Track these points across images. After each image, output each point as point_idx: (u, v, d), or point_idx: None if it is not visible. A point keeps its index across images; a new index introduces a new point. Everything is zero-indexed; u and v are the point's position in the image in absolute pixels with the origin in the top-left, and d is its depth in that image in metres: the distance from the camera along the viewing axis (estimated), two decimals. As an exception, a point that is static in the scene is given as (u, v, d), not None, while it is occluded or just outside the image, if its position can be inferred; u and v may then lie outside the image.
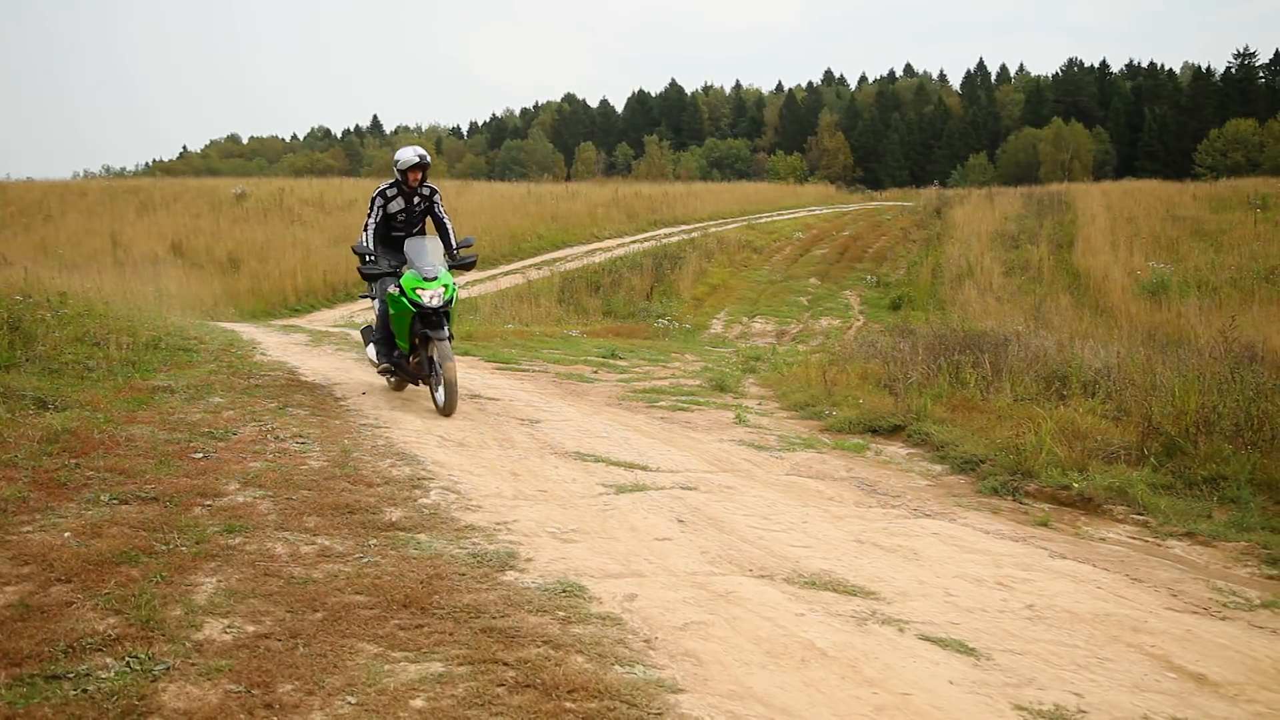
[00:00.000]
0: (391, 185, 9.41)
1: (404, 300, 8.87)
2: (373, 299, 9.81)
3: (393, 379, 9.86)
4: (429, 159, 9.35)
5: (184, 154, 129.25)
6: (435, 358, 8.90)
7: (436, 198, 9.59)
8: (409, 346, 9.14)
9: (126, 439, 6.97)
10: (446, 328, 8.93)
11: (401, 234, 9.51)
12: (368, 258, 9.25)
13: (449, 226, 9.61)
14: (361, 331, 10.24)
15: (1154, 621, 4.81)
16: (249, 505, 5.79)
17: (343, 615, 4.28)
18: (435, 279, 8.96)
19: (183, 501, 5.70)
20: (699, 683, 3.93)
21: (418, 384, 9.52)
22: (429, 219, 9.74)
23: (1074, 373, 10.90)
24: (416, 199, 9.49)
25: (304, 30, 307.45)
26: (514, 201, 41.92)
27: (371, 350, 9.78)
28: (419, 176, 9.35)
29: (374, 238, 9.40)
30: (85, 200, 40.83)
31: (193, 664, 3.71)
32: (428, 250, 9.17)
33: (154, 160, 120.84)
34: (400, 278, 9.03)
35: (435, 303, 8.86)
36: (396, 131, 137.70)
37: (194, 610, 4.20)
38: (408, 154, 9.34)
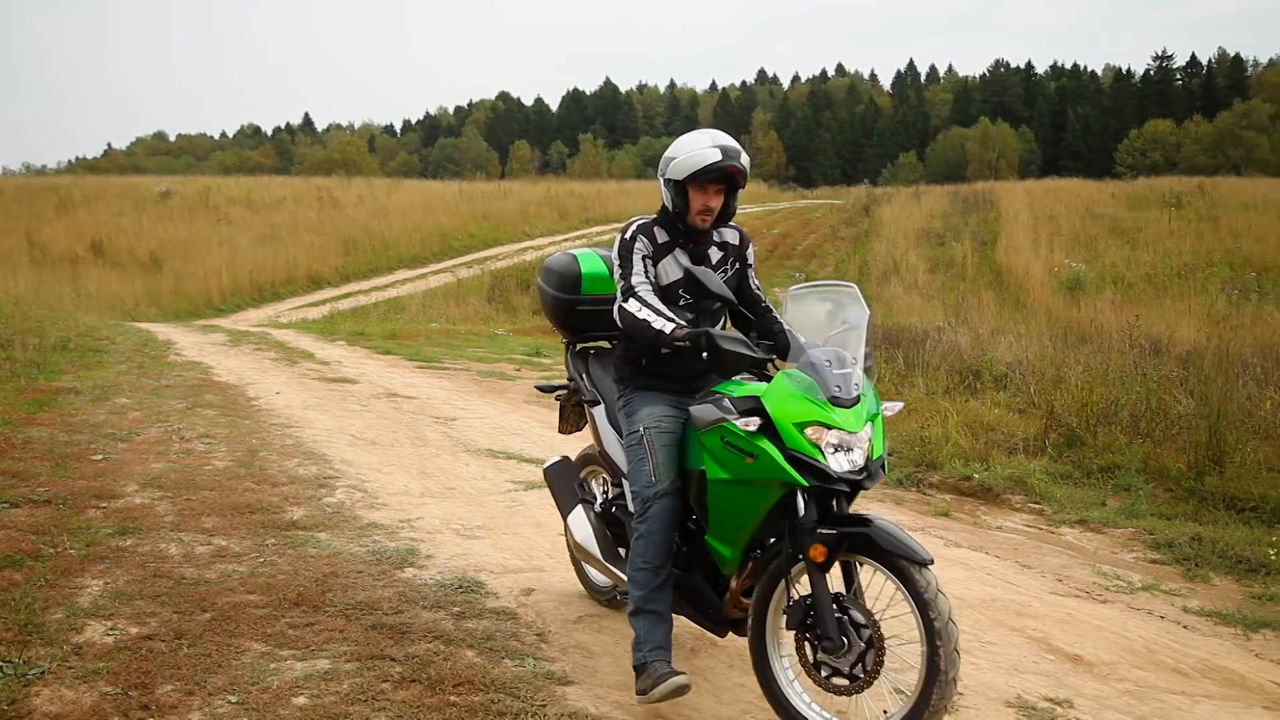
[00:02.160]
0: (656, 220, 4.01)
1: (772, 455, 3.39)
2: (623, 428, 4.08)
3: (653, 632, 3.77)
4: (745, 159, 3.85)
5: (109, 151, 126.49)
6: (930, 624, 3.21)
7: (750, 254, 4.16)
8: (740, 558, 3.67)
9: (24, 441, 6.85)
10: (919, 547, 3.30)
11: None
12: (673, 327, 3.69)
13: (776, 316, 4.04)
14: (548, 472, 4.81)
15: (1038, 606, 4.95)
16: (146, 506, 5.72)
17: (232, 615, 4.26)
18: (856, 402, 3.44)
19: (77, 504, 5.62)
20: (588, 674, 3.98)
21: (722, 633, 3.92)
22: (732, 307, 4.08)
23: (986, 367, 11.11)
24: (716, 250, 4.06)
25: (235, 26, 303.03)
26: (445, 200, 41.68)
27: (592, 544, 4.43)
28: (718, 200, 3.91)
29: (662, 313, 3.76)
30: (1, 199, 39.82)
31: (70, 667, 3.67)
32: (849, 322, 3.63)
33: (77, 158, 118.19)
34: (762, 394, 3.51)
35: (858, 466, 3.42)
36: (329, 129, 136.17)
37: (76, 613, 4.15)
38: (699, 145, 3.83)
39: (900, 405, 3.71)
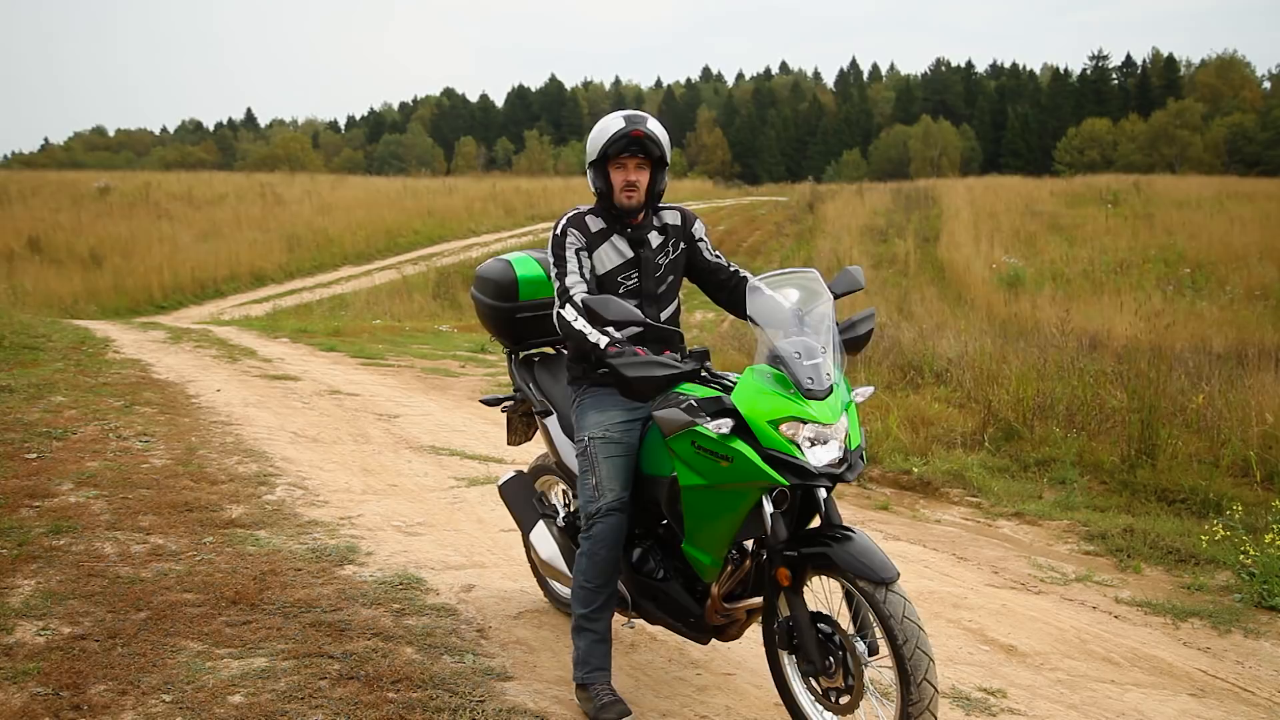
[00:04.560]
0: (590, 210, 3.94)
1: (749, 456, 3.20)
2: (574, 433, 3.92)
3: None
4: (655, 126, 3.82)
5: (46, 146, 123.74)
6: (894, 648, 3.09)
7: (698, 230, 4.04)
8: (720, 564, 3.49)
9: (-47, 441, 6.71)
10: (882, 565, 3.15)
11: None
12: (606, 342, 3.57)
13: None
14: (503, 489, 4.63)
15: (974, 598, 5.03)
16: (81, 505, 5.63)
17: (168, 614, 4.21)
18: (830, 392, 3.28)
19: (9, 503, 5.52)
20: (528, 669, 3.98)
21: (705, 640, 3.75)
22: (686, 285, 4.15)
23: (927, 362, 11.24)
24: (656, 234, 3.95)
25: (176, 19, 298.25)
26: (390, 196, 41.32)
27: (559, 560, 4.29)
28: (640, 175, 3.84)
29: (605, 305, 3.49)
30: (-69, 194, 38.84)
31: (-1, 668, 3.61)
32: (813, 309, 3.43)
33: (13, 153, 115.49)
34: (732, 394, 3.35)
35: (837, 458, 3.27)
36: (272, 125, 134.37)
37: (7, 613, 4.08)
38: (605, 120, 3.86)
39: (871, 390, 3.57)
